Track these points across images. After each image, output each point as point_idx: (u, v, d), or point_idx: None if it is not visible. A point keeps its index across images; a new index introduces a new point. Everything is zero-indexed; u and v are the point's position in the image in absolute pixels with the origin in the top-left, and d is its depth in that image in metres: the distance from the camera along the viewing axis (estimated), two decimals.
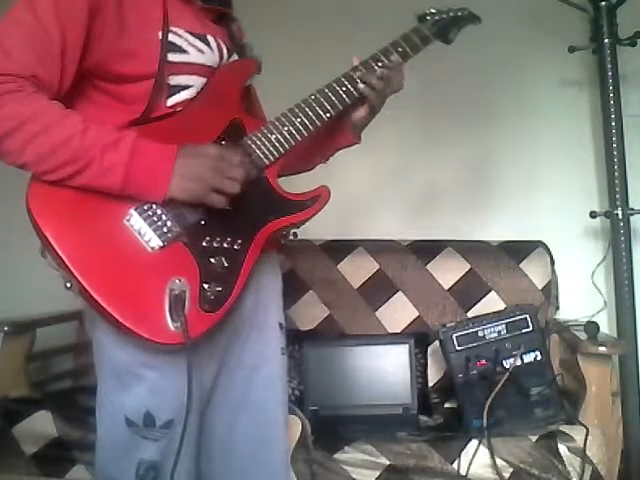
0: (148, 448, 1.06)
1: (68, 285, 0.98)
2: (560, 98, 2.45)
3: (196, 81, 1.12)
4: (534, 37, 2.42)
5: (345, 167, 2.25)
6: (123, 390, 1.06)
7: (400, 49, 1.20)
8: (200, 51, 1.11)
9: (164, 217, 1.02)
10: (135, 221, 1.01)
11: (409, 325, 2.27)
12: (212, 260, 1.04)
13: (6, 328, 2.01)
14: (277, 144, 1.13)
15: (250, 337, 1.20)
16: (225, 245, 1.06)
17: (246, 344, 1.20)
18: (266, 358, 1.22)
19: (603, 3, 2.21)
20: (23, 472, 1.85)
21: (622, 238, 2.21)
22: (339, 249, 2.39)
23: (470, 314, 2.20)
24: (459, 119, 2.47)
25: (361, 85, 1.17)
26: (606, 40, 2.22)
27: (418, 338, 2.12)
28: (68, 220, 0.98)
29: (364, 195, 2.49)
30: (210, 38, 1.14)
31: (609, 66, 2.22)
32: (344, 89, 1.17)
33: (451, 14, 1.28)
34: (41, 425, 1.85)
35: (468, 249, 2.33)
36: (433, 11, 1.27)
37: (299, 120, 1.14)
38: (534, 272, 2.25)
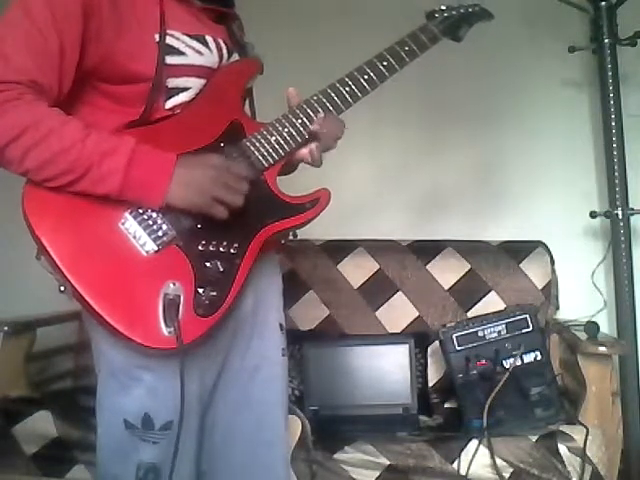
0: (147, 450, 1.05)
1: (62, 289, 0.98)
2: (560, 98, 2.45)
3: (194, 83, 1.11)
4: (534, 37, 2.42)
5: (345, 167, 2.26)
6: (122, 392, 1.05)
7: (407, 48, 1.18)
8: (198, 52, 1.10)
9: (159, 221, 1.01)
10: (130, 225, 1.00)
11: (409, 325, 2.27)
12: (207, 264, 1.03)
13: (6, 328, 2.01)
14: (277, 146, 1.11)
15: (251, 338, 1.20)
16: (221, 249, 1.05)
17: (247, 345, 1.20)
18: (266, 359, 1.22)
19: (603, 3, 2.21)
20: (23, 472, 1.85)
21: (622, 238, 2.21)
22: (339, 249, 2.39)
23: (470, 314, 2.20)
24: (459, 119, 2.47)
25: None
26: (606, 40, 2.22)
27: (418, 338, 2.13)
28: (63, 223, 0.98)
29: (364, 195, 2.49)
30: (209, 39, 1.13)
31: (609, 66, 2.22)
32: (347, 89, 1.14)
33: (462, 10, 1.25)
34: (41, 425, 1.85)
35: (468, 249, 2.33)
36: (443, 8, 1.24)
37: (300, 121, 1.12)
38: (534, 272, 2.25)
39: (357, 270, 2.35)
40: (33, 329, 2.12)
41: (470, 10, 1.26)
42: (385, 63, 1.16)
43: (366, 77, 1.16)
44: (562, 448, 1.64)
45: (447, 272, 2.30)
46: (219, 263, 1.04)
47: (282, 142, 1.11)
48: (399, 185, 2.54)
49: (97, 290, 0.96)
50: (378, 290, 2.32)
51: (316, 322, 2.30)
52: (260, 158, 1.10)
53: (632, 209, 2.22)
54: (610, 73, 2.22)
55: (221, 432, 1.19)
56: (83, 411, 1.84)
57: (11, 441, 1.85)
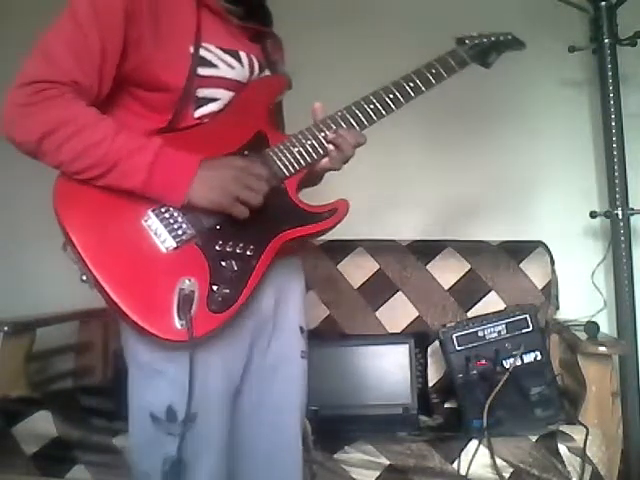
0: (172, 443, 1.07)
1: (84, 278, 1.02)
2: (560, 98, 2.45)
3: (224, 95, 1.14)
4: (534, 37, 2.39)
5: (346, 167, 2.25)
6: (147, 385, 1.09)
7: (434, 70, 1.21)
8: (230, 66, 1.14)
9: (180, 219, 1.06)
10: (152, 222, 1.05)
11: (409, 325, 2.27)
12: (223, 263, 1.06)
13: (6, 328, 2.01)
14: (299, 156, 1.14)
15: (271, 339, 1.23)
16: (238, 250, 1.08)
17: (268, 345, 1.22)
18: (284, 359, 1.24)
19: (603, 3, 2.21)
20: (23, 472, 1.85)
21: (622, 238, 2.21)
22: (339, 249, 2.39)
23: (470, 314, 2.20)
24: (459, 119, 2.47)
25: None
26: (606, 40, 2.22)
27: (418, 338, 2.12)
28: (90, 218, 1.04)
29: (364, 195, 2.49)
30: (242, 54, 1.16)
31: (609, 66, 2.22)
32: (372, 107, 1.17)
33: (492, 38, 1.27)
34: (41, 425, 1.85)
35: (468, 249, 2.33)
36: (474, 34, 1.26)
37: (323, 135, 1.15)
38: (534, 272, 2.25)
39: (357, 270, 2.35)
40: (33, 329, 2.11)
41: (502, 38, 1.28)
42: (411, 84, 1.20)
43: (391, 96, 1.19)
44: (562, 448, 1.64)
45: (447, 272, 2.30)
46: (234, 263, 1.07)
47: (304, 153, 1.14)
48: (399, 185, 2.54)
49: (117, 282, 1.01)
50: (378, 290, 2.32)
51: (316, 322, 2.30)
52: (282, 167, 1.13)
53: (632, 209, 2.22)
54: (610, 73, 2.22)
55: (242, 431, 1.21)
56: (83, 411, 1.85)
57: (11, 441, 1.86)
